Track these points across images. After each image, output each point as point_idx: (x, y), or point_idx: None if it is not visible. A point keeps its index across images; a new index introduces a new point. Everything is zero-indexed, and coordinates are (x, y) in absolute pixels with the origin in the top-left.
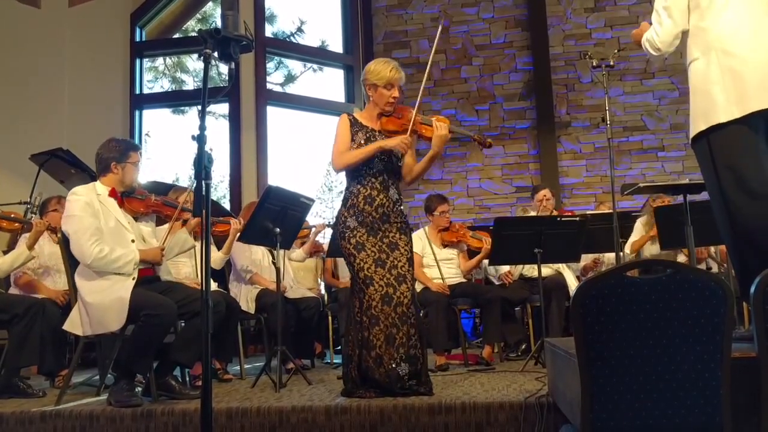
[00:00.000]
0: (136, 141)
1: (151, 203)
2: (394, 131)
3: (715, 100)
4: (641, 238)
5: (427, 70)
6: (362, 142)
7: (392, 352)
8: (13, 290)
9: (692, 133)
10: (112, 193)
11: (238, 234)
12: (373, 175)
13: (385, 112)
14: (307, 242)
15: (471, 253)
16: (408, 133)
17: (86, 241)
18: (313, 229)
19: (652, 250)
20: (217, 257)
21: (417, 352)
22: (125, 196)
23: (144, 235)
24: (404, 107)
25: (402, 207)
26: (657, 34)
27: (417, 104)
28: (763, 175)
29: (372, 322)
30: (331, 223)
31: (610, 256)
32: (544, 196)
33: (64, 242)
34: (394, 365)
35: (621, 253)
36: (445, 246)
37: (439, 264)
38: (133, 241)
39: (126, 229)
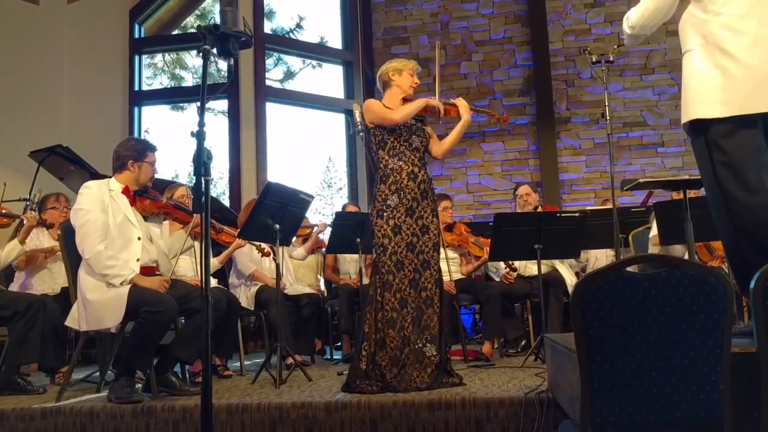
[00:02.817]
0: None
1: (162, 205)
2: (423, 110)
3: (705, 96)
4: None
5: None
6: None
7: (419, 332)
8: (18, 280)
9: (682, 120)
10: (125, 191)
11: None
12: (413, 151)
13: (407, 96)
14: (309, 241)
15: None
16: (441, 112)
17: (92, 234)
18: (315, 228)
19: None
20: (212, 263)
21: (442, 335)
22: (138, 195)
23: (152, 235)
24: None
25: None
26: (639, 14)
27: (437, 90)
28: (759, 171)
29: (401, 304)
30: (333, 222)
31: (595, 253)
32: (525, 192)
33: (67, 237)
34: (420, 345)
35: (621, 249)
36: (446, 246)
37: (448, 262)
38: (139, 238)
39: (133, 225)
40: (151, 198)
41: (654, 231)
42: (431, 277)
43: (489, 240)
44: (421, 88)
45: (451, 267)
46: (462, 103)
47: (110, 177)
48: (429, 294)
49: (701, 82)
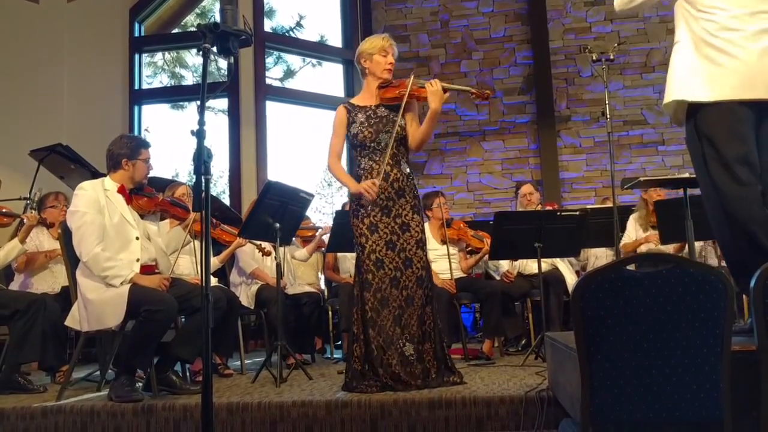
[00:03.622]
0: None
1: (158, 202)
2: (392, 99)
3: (690, 82)
4: (634, 243)
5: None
6: (363, 120)
7: (399, 333)
8: (18, 279)
9: (665, 101)
10: (121, 190)
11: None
12: (383, 150)
13: (383, 82)
14: (312, 242)
15: (470, 252)
16: (405, 97)
17: (89, 236)
18: (320, 230)
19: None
20: (212, 263)
21: (426, 332)
22: (134, 194)
23: (150, 233)
24: (401, 79)
25: (414, 181)
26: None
27: (412, 71)
28: (746, 165)
29: (382, 304)
30: (333, 221)
31: (595, 251)
32: (528, 191)
33: (67, 237)
34: (401, 345)
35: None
36: (443, 243)
37: (450, 259)
38: (137, 238)
39: (131, 225)
40: (147, 196)
41: (627, 235)
42: (413, 275)
43: (488, 233)
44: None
45: (452, 264)
46: (432, 89)
47: (106, 176)
48: (410, 293)
49: (688, 69)
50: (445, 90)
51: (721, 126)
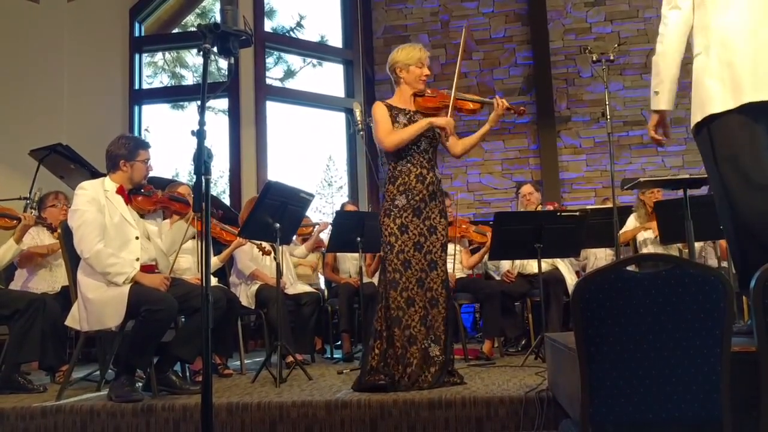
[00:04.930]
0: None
1: (157, 199)
2: (433, 108)
3: (713, 92)
4: (634, 229)
5: (456, 71)
6: (405, 122)
7: (425, 332)
8: (18, 278)
9: (692, 123)
10: (120, 191)
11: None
12: (421, 153)
13: (418, 92)
14: (310, 239)
15: (473, 250)
16: (450, 108)
17: (90, 233)
18: (317, 227)
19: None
20: (212, 262)
21: (447, 336)
22: (132, 194)
23: (150, 233)
24: (435, 89)
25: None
26: (663, 28)
27: (454, 83)
28: (762, 166)
29: (408, 303)
30: (333, 221)
31: (595, 252)
32: (528, 191)
33: (66, 236)
34: (426, 345)
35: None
36: (448, 241)
37: (455, 258)
38: (137, 238)
39: (131, 225)
40: (145, 194)
41: (625, 229)
42: (438, 277)
43: (490, 227)
44: (457, 76)
45: (450, 263)
46: (499, 111)
47: (106, 176)
48: (434, 294)
49: (703, 81)
50: (508, 108)
51: (733, 130)
